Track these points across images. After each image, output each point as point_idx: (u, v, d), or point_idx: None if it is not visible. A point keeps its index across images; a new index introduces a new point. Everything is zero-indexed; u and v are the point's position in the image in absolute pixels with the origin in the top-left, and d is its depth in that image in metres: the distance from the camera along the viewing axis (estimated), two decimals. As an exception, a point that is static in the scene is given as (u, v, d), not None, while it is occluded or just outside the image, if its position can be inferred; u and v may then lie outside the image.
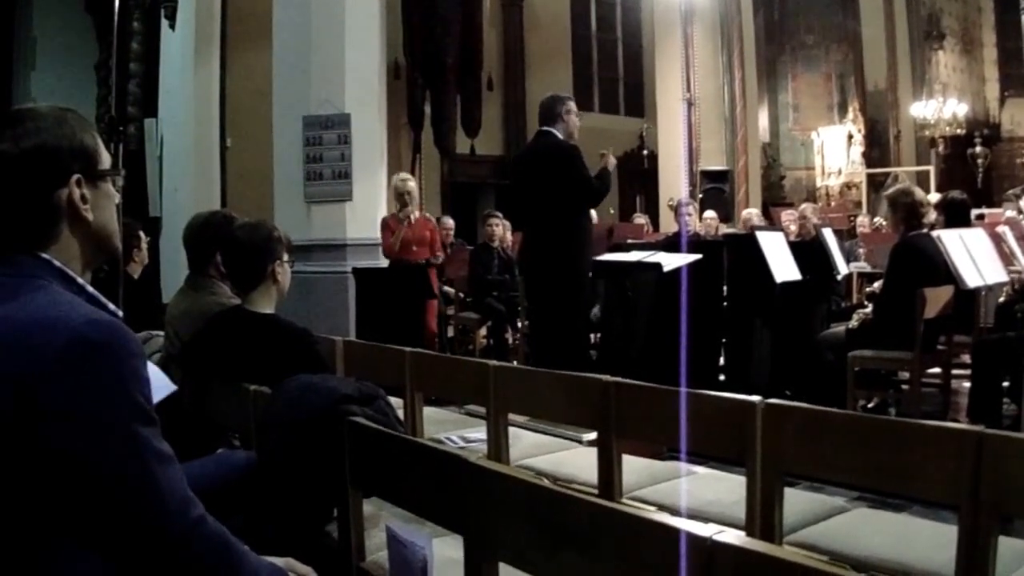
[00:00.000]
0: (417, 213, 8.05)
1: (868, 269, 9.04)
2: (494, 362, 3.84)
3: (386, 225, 7.86)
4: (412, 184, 8.08)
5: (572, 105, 6.21)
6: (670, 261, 6.20)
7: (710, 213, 10.99)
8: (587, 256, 6.18)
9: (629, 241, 8.94)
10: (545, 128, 6.15)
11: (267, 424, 2.81)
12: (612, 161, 6.39)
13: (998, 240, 6.56)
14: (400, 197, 7.83)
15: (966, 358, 6.01)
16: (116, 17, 6.37)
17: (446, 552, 2.29)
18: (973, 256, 5.78)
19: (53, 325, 1.48)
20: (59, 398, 1.45)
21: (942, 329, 5.71)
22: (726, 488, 3.19)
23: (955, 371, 5.94)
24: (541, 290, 6.19)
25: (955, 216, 6.50)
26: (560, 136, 6.09)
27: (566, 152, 6.01)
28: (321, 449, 2.63)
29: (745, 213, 11.53)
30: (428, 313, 7.80)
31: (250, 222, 3.58)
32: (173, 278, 5.72)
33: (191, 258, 3.99)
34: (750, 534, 2.59)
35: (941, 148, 18.54)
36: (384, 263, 7.90)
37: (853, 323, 5.90)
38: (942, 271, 5.60)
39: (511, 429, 3.81)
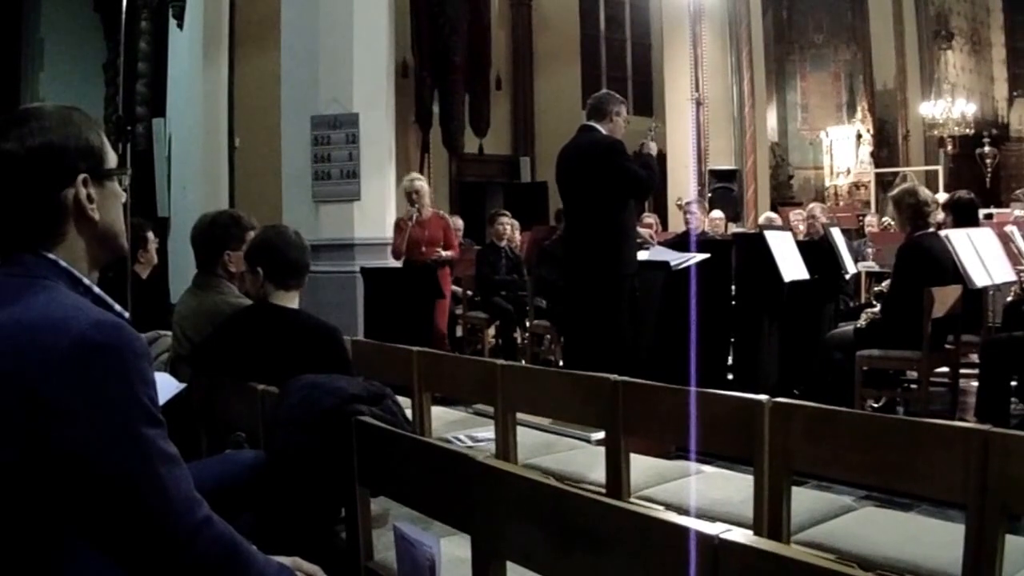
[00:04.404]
0: (429, 210, 7.92)
1: (876, 268, 9.01)
2: (502, 361, 3.84)
3: (397, 226, 7.84)
4: (419, 183, 7.98)
5: (623, 109, 6.03)
6: (678, 260, 6.19)
7: (716, 213, 10.96)
8: (631, 253, 5.97)
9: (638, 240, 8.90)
10: (589, 124, 5.96)
11: (275, 423, 2.81)
12: (652, 147, 6.21)
13: (1006, 240, 6.56)
14: (408, 197, 7.79)
15: (974, 357, 6.00)
16: (124, 17, 6.40)
17: (454, 551, 2.29)
18: (981, 255, 5.77)
19: (59, 326, 1.48)
20: (64, 399, 1.45)
21: (950, 328, 5.70)
22: (734, 487, 3.20)
23: (963, 370, 5.92)
24: (582, 289, 5.91)
25: (963, 216, 6.47)
26: (603, 132, 5.90)
27: (608, 146, 5.79)
28: (329, 448, 2.63)
29: (763, 218, 11.49)
30: (438, 313, 7.76)
31: (284, 226, 3.62)
32: (181, 278, 5.72)
33: (199, 258, 3.99)
34: (758, 533, 2.60)
35: (950, 148, 18.52)
36: (392, 263, 7.88)
37: (861, 322, 5.89)
38: (950, 270, 5.60)
39: (519, 428, 3.81)
